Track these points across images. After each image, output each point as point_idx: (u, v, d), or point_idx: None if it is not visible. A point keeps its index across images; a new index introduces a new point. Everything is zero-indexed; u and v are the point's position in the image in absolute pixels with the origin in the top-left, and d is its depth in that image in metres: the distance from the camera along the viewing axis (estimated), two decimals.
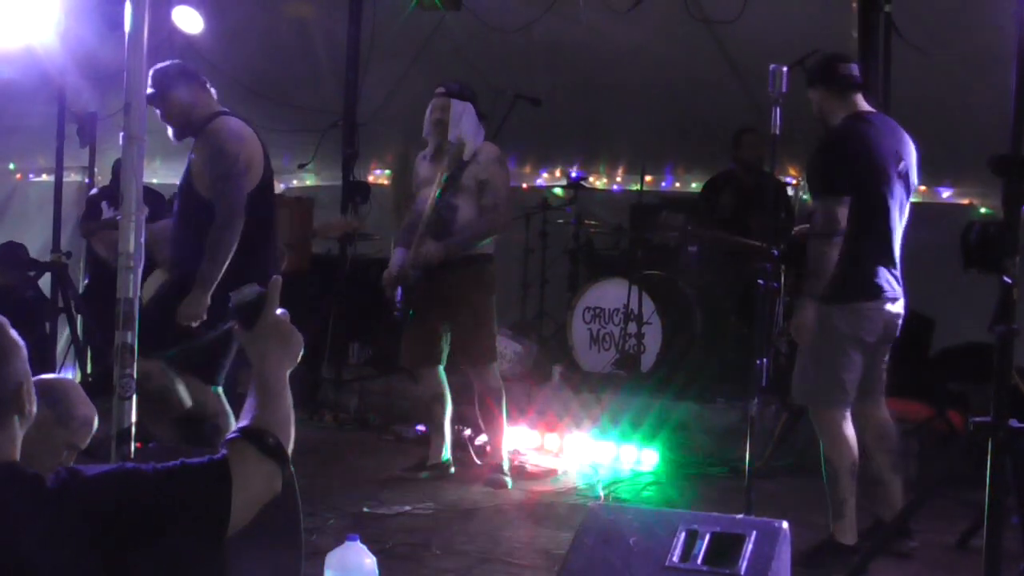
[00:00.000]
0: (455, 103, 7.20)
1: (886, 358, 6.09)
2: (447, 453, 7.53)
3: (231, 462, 2.43)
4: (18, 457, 2.44)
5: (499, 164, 7.29)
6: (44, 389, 3.48)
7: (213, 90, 6.25)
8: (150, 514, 2.34)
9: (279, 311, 2.72)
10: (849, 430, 5.75)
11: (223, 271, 5.80)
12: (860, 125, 5.85)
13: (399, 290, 7.25)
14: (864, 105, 5.96)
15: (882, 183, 5.76)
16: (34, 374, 2.58)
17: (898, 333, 6.04)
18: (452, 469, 7.54)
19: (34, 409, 2.53)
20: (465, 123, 7.19)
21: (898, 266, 5.90)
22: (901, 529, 5.72)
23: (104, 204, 9.18)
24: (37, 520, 2.27)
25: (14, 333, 2.53)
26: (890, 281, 5.82)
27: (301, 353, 2.72)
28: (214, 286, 5.79)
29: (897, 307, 5.91)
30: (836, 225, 5.63)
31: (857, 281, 5.76)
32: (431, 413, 7.56)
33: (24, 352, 2.52)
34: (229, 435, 2.51)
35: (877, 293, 5.78)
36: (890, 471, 5.94)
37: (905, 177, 5.85)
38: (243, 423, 2.55)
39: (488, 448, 7.59)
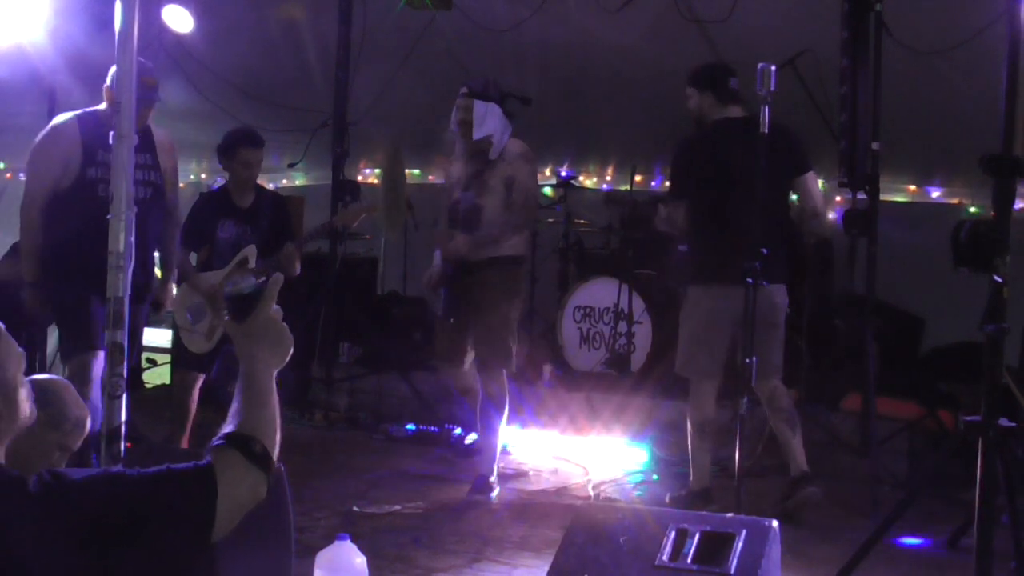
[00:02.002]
0: (478, 104, 7.03)
1: (774, 338, 6.55)
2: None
3: (217, 469, 2.40)
4: (2, 460, 2.43)
5: (524, 160, 7.13)
6: (37, 390, 3.46)
7: None
8: (134, 519, 2.31)
9: (274, 308, 2.66)
10: (706, 398, 6.61)
11: None
12: (711, 131, 6.65)
13: (443, 291, 7.14)
14: (736, 112, 6.65)
15: (723, 182, 6.42)
16: (26, 375, 2.56)
17: (780, 319, 6.61)
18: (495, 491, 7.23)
19: (21, 415, 2.51)
20: (490, 123, 7.05)
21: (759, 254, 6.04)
22: (801, 479, 6.43)
23: None
24: (19, 523, 2.25)
25: (11, 341, 2.51)
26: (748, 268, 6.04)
27: (291, 353, 2.68)
28: None
29: (763, 292, 5.98)
30: (675, 226, 6.67)
31: (705, 266, 6.61)
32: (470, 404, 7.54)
33: (20, 360, 2.51)
34: (215, 441, 2.48)
35: (724, 278, 6.29)
36: (787, 430, 6.54)
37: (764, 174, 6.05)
38: (229, 428, 2.50)
39: (477, 452, 7.46)
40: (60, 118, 6.62)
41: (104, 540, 2.28)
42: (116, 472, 2.42)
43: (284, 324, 2.66)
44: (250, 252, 7.17)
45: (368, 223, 10.40)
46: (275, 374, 2.63)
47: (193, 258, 7.47)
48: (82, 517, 2.28)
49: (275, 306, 2.65)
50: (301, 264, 7.21)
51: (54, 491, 2.31)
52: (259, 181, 7.63)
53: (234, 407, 2.56)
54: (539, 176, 12.02)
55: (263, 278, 2.66)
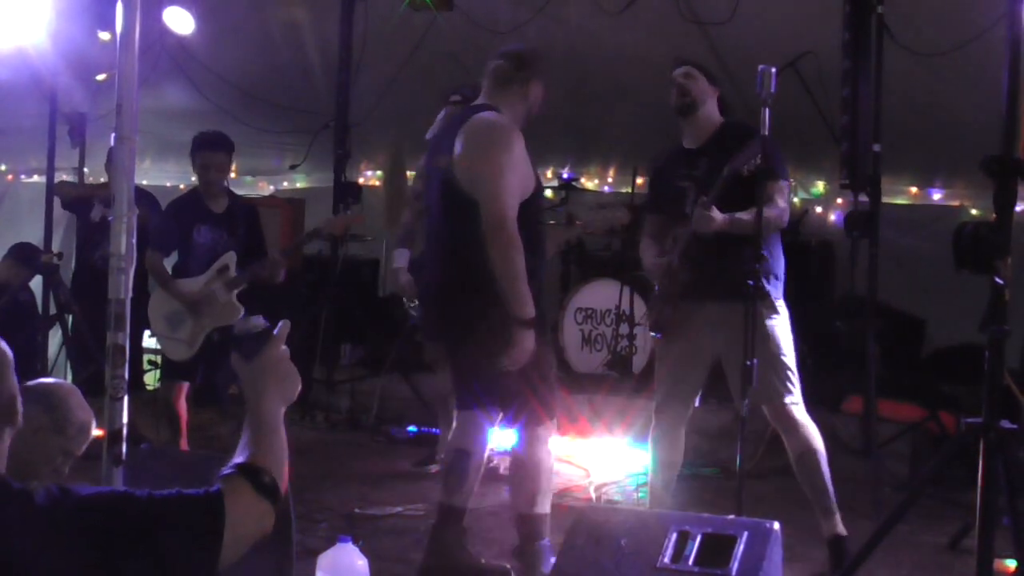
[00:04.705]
0: None
1: None
2: None
3: (226, 498, 2.41)
4: (3, 469, 2.42)
5: None
6: (41, 394, 3.45)
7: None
8: (140, 542, 2.31)
9: (282, 349, 2.70)
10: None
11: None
12: None
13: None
14: None
15: None
16: (26, 378, 2.56)
17: None
18: None
19: (19, 419, 2.50)
20: None
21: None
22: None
23: (95, 200, 9.17)
24: (22, 537, 2.24)
25: (2, 344, 2.51)
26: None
27: (297, 393, 2.71)
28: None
29: None
30: None
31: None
32: (446, 407, 7.60)
33: (11, 362, 2.50)
34: (225, 470, 2.49)
35: None
36: None
37: None
38: (239, 459, 2.53)
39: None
40: (497, 117, 5.53)
41: (108, 560, 2.27)
42: (125, 492, 2.42)
43: (292, 365, 2.71)
44: (230, 259, 7.19)
45: (370, 226, 10.42)
46: (282, 411, 2.66)
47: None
48: (87, 535, 2.27)
49: (283, 346, 2.69)
50: (303, 266, 7.24)
51: (61, 506, 2.30)
52: (262, 183, 7.65)
53: (243, 439, 2.59)
54: (542, 178, 12.15)
55: (268, 324, 2.71)
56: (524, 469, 5.47)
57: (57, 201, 9.44)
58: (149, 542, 2.31)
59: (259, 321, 2.71)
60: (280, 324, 2.71)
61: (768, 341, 5.62)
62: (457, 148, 5.37)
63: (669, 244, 5.81)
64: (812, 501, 5.73)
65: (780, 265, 5.82)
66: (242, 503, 2.43)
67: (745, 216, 5.45)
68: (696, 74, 5.86)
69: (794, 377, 5.70)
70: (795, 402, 5.71)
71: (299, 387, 2.71)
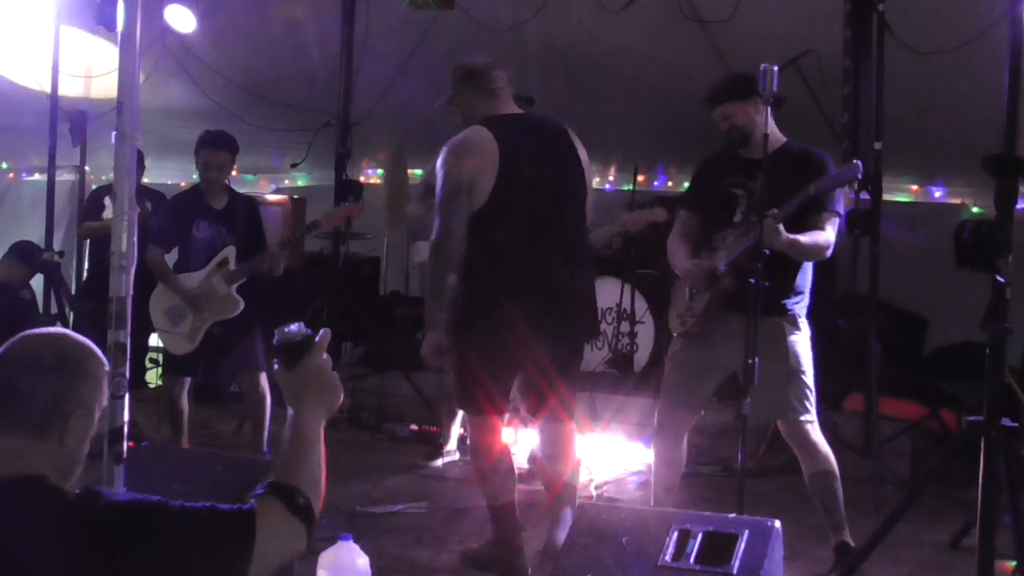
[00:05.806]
0: None
1: None
2: (455, 441, 8.08)
3: (258, 517, 2.41)
4: (49, 474, 2.40)
5: None
6: None
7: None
8: (167, 553, 2.31)
9: (324, 357, 2.69)
10: None
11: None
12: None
13: None
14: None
15: None
16: None
17: None
18: (457, 455, 8.07)
19: (79, 450, 2.49)
20: None
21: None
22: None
23: (107, 200, 9.17)
24: (52, 537, 2.24)
25: (94, 364, 2.50)
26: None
27: (339, 405, 2.72)
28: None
29: None
30: None
31: None
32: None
33: (98, 385, 2.49)
34: (258, 489, 2.49)
35: None
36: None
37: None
38: (274, 477, 2.52)
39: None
40: None
41: (134, 567, 2.26)
42: (157, 501, 2.40)
43: (334, 373, 2.70)
44: (229, 253, 7.23)
45: (370, 223, 10.42)
46: (322, 424, 2.66)
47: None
48: (116, 541, 2.27)
49: (325, 355, 2.70)
50: (304, 264, 7.24)
51: (90, 507, 2.30)
52: (263, 181, 7.66)
53: (281, 454, 2.57)
54: None
55: (309, 330, 2.69)
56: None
57: (58, 199, 9.43)
58: (175, 555, 2.31)
59: (300, 328, 2.69)
60: (322, 332, 2.69)
61: (788, 357, 5.58)
62: (584, 160, 6.26)
63: (713, 246, 5.69)
64: (822, 516, 5.66)
65: (807, 281, 5.72)
66: (274, 523, 2.43)
67: (805, 240, 5.38)
68: (732, 110, 5.64)
69: (811, 395, 5.63)
70: (810, 420, 5.63)
71: (341, 398, 2.70)
